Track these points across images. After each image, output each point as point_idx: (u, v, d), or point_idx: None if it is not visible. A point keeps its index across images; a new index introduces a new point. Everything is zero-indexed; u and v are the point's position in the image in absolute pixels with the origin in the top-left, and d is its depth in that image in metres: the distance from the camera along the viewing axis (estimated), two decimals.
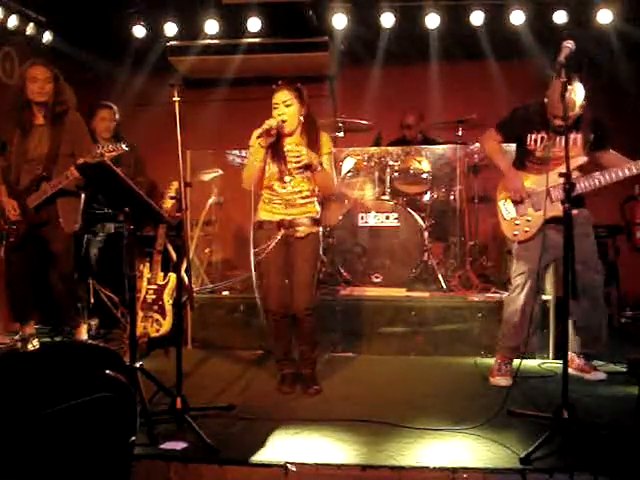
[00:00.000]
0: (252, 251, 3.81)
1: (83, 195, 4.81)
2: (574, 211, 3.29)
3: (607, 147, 4.14)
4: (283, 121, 3.82)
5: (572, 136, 4.01)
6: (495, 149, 4.31)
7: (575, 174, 3.86)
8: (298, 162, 3.82)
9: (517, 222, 4.17)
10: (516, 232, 4.17)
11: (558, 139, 4.01)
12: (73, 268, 4.78)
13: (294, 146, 3.86)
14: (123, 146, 4.26)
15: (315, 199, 4.02)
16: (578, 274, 3.81)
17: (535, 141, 4.13)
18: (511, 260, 4.40)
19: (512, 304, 4.22)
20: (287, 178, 3.90)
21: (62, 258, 4.68)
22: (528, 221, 4.13)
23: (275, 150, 3.89)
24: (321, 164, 3.87)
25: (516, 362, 4.23)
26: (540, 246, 3.90)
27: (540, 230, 4.04)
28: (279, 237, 3.93)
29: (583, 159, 4.00)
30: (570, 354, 4.26)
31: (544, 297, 4.73)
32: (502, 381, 4.12)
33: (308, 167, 3.86)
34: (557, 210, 3.75)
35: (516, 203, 4.17)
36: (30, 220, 4.52)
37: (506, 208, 4.24)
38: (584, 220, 4.09)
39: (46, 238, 4.62)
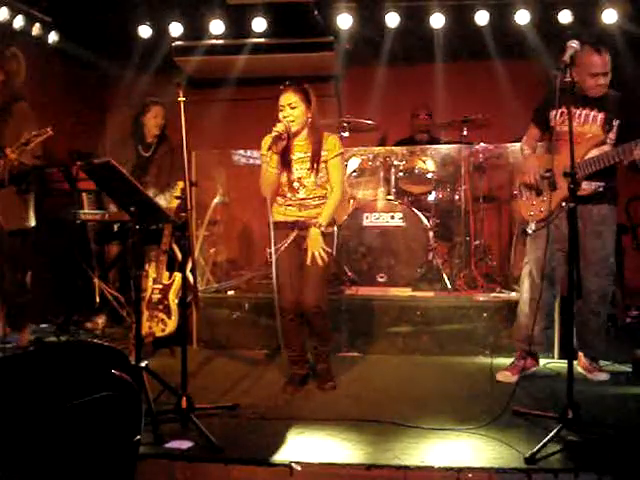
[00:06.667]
0: (273, 251, 3.89)
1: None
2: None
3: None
4: (290, 121, 3.83)
5: (593, 113, 4.04)
6: (525, 141, 4.37)
7: (593, 152, 3.92)
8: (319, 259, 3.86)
9: (533, 202, 4.18)
10: (531, 212, 4.17)
11: (577, 112, 4.02)
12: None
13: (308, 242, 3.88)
14: (48, 129, 4.28)
15: None
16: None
17: (555, 116, 4.11)
18: (519, 243, 4.44)
19: (521, 295, 4.31)
20: (295, 185, 3.92)
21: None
22: (543, 201, 4.10)
23: (283, 159, 3.89)
24: (321, 226, 3.89)
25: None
26: (549, 237, 3.86)
27: (556, 211, 3.99)
28: (292, 237, 3.95)
29: (601, 138, 3.99)
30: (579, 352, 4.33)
31: None
32: (502, 376, 4.16)
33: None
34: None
35: (532, 185, 4.18)
36: None
37: (523, 190, 4.26)
38: (599, 218, 4.08)
39: None
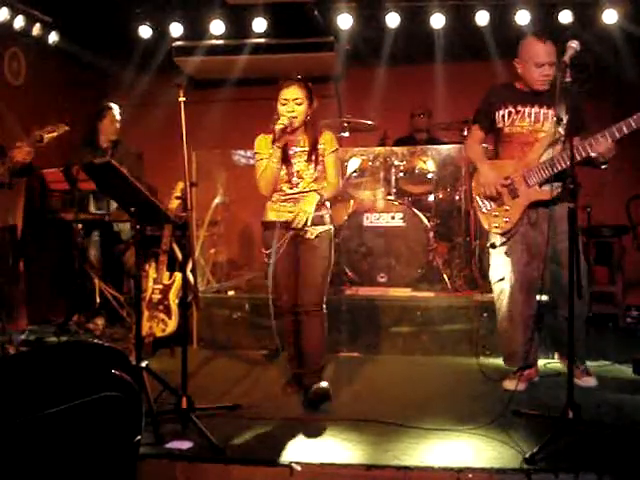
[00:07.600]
0: (273, 251, 3.87)
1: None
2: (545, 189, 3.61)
3: (580, 134, 3.78)
4: (294, 117, 3.79)
5: (542, 111, 3.88)
6: (469, 145, 4.25)
7: (556, 149, 3.76)
8: (300, 222, 3.81)
9: (495, 214, 3.99)
10: (495, 224, 3.99)
11: (527, 111, 3.89)
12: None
13: (294, 215, 3.82)
14: (65, 125, 4.28)
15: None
16: (553, 275, 3.86)
17: (503, 117, 3.99)
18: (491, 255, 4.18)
19: (499, 311, 4.14)
20: (295, 180, 3.90)
21: None
22: (507, 211, 3.93)
23: (282, 154, 3.87)
24: (321, 195, 3.86)
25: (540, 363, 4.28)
26: (519, 247, 3.86)
27: (521, 219, 3.89)
28: (289, 238, 3.89)
29: (555, 137, 3.79)
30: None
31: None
32: (510, 384, 3.92)
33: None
34: (535, 194, 3.78)
35: (492, 195, 3.99)
36: None
37: (483, 201, 4.07)
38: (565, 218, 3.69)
39: None
